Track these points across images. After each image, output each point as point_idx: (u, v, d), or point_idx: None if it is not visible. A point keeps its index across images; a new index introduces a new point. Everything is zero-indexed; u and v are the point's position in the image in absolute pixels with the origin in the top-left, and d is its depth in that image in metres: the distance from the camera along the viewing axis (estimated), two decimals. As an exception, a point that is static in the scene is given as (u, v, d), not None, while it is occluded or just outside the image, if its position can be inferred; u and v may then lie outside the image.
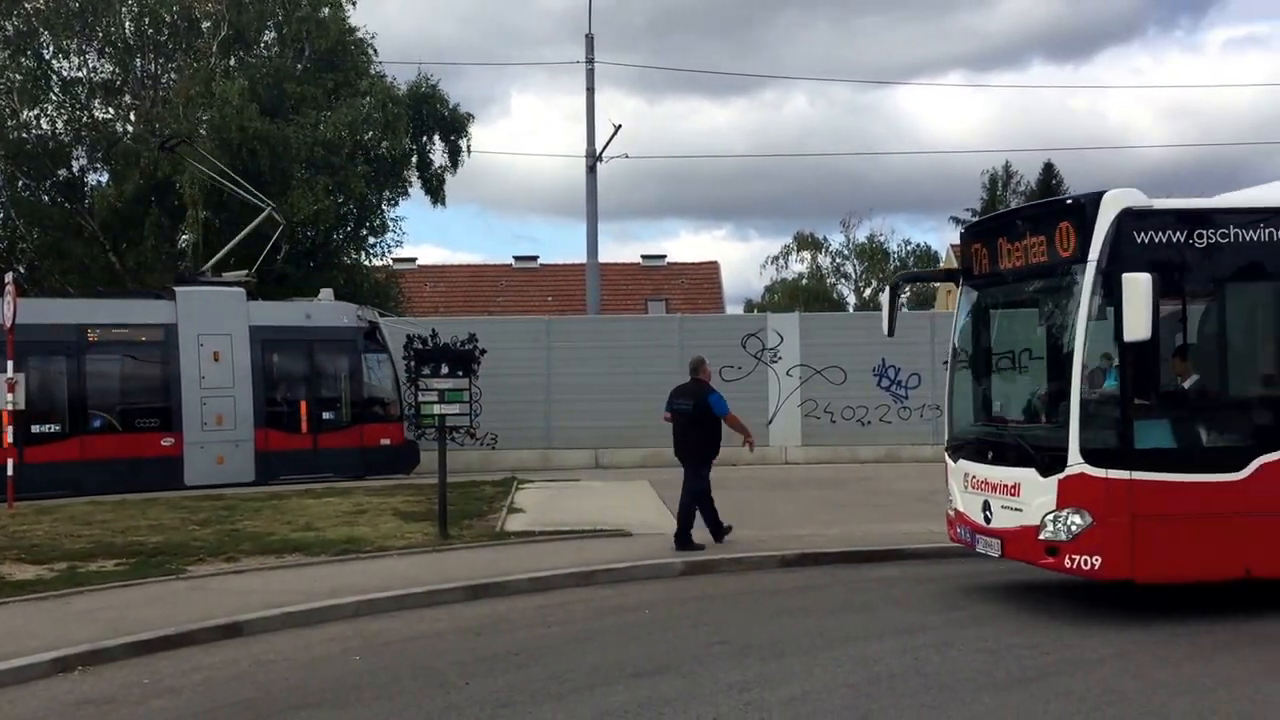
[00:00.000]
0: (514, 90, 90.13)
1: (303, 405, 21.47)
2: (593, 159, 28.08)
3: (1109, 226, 8.94)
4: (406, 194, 31.34)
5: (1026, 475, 9.42)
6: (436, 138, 31.13)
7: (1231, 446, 9.23)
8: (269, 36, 30.09)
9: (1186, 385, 9.52)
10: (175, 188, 26.72)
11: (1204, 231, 9.15)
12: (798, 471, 21.99)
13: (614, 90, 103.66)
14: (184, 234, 28.44)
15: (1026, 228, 9.83)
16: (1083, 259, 9.00)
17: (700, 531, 12.97)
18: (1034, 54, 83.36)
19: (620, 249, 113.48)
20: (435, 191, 31.18)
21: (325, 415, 21.57)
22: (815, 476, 20.63)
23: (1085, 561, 8.98)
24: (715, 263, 52.28)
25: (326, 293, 23.16)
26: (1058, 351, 9.37)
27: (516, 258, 51.67)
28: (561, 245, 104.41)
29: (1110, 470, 8.88)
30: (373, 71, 30.03)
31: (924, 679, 7.88)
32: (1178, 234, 9.09)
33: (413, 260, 47.70)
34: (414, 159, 30.63)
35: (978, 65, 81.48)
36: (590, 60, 28.15)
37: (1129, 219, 8.96)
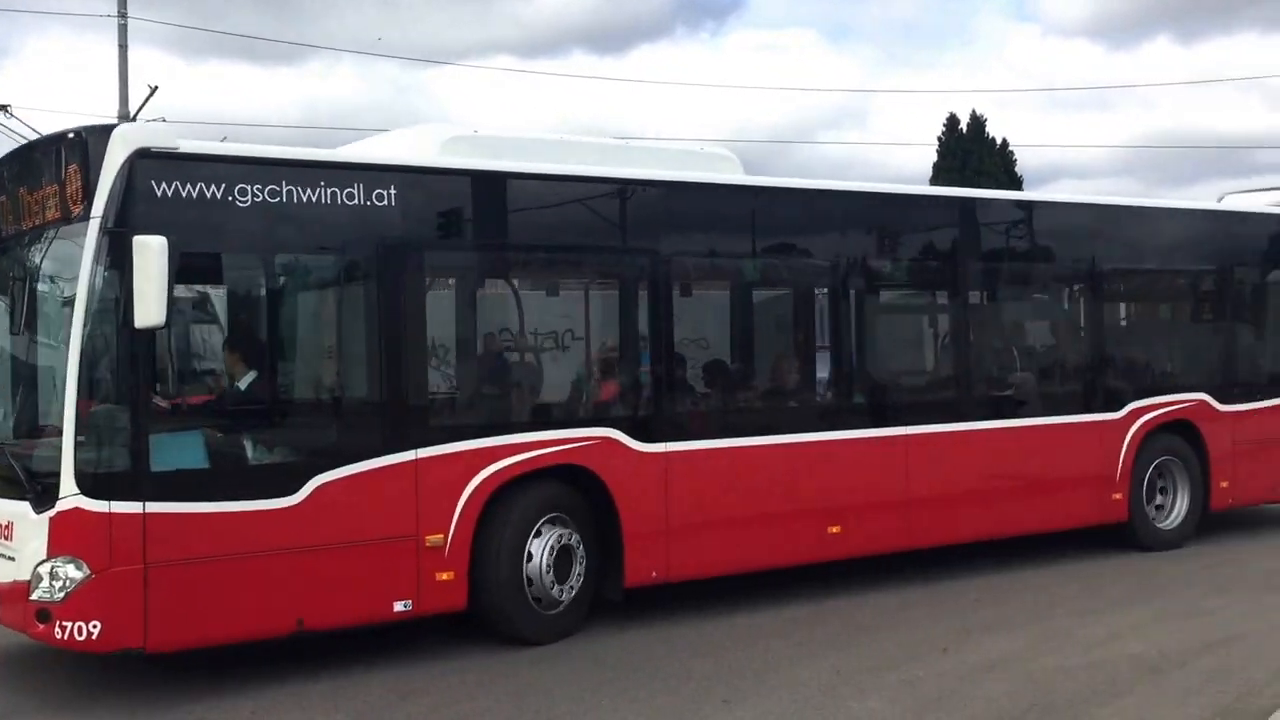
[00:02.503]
0: (31, 41, 75.03)
1: None
2: (126, 121, 23.78)
3: (119, 173, 6.69)
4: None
5: (20, 511, 6.95)
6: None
7: (284, 464, 7.26)
8: None
9: (243, 386, 7.63)
10: None
11: (252, 186, 7.07)
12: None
13: (151, 49, 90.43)
14: None
15: (42, 171, 7.36)
16: (87, 215, 6.74)
17: None
18: (574, 45, 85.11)
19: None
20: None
21: None
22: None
23: (81, 630, 6.64)
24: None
25: None
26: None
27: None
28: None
29: (116, 503, 6.63)
30: None
31: None
32: (218, 188, 6.96)
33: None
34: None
35: (523, 52, 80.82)
36: (123, 15, 25.11)
37: (147, 165, 6.76)
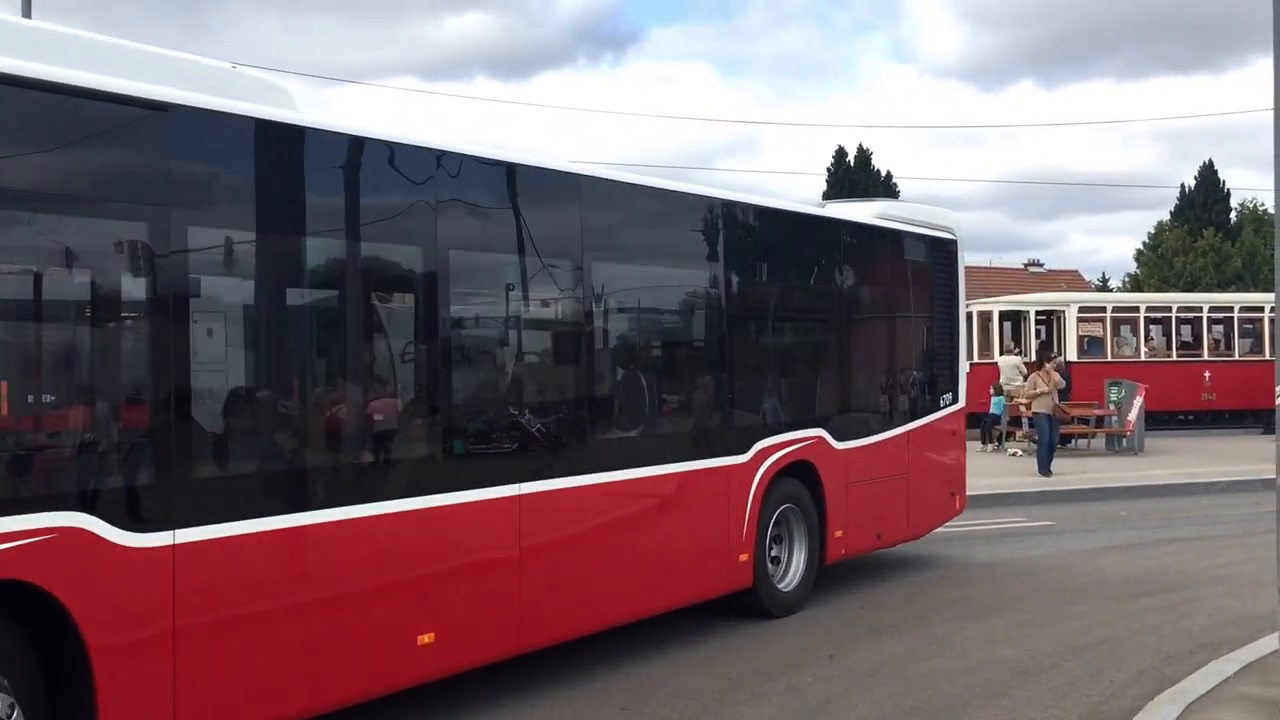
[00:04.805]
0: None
1: None
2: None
3: None
4: None
5: None
6: None
7: None
8: None
9: None
10: None
11: None
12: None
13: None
14: None
15: None
16: None
17: None
18: (477, 69, 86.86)
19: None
20: None
21: None
22: None
23: None
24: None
25: None
26: None
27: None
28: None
29: None
30: None
31: None
32: None
33: None
34: None
35: (427, 73, 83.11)
36: (27, 18, 20.74)
37: None
